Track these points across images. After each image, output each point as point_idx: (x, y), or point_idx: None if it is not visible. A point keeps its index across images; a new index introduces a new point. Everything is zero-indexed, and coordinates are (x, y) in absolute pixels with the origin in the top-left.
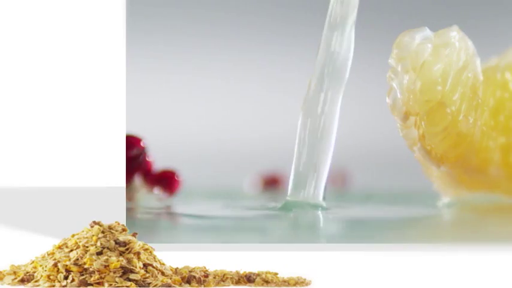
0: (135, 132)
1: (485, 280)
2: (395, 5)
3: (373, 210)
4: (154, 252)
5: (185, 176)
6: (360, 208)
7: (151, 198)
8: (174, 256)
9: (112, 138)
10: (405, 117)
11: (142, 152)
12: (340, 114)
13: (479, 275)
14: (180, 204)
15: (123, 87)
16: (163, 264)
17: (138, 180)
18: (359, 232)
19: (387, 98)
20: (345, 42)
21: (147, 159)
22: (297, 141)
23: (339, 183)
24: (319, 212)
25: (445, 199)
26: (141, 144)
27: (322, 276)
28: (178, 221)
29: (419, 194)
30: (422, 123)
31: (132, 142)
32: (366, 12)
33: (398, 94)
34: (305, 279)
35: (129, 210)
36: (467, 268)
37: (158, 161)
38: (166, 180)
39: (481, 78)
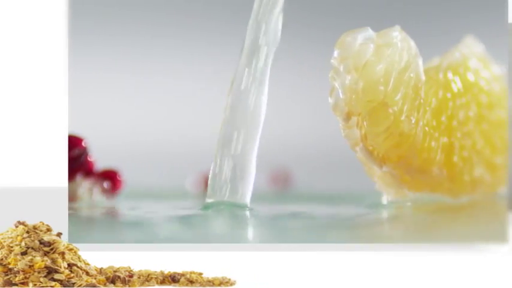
0: (77, 132)
1: (424, 279)
2: (337, 5)
3: (314, 209)
4: (79, 252)
5: (127, 176)
6: (299, 207)
7: (93, 197)
8: (111, 255)
9: (54, 139)
10: (347, 117)
11: (84, 152)
12: (282, 114)
13: (419, 275)
14: (121, 203)
15: (65, 88)
16: (88, 264)
17: (80, 180)
18: (291, 232)
19: (329, 98)
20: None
21: (88, 159)
22: (218, 139)
23: (281, 183)
24: (244, 212)
25: (387, 199)
26: (83, 144)
27: (247, 276)
28: (117, 221)
29: (361, 194)
30: (365, 123)
31: (73, 142)
32: (308, 12)
33: (341, 94)
34: (230, 279)
35: (72, 210)
36: (408, 267)
37: (100, 160)
38: (108, 180)
39: (423, 78)
